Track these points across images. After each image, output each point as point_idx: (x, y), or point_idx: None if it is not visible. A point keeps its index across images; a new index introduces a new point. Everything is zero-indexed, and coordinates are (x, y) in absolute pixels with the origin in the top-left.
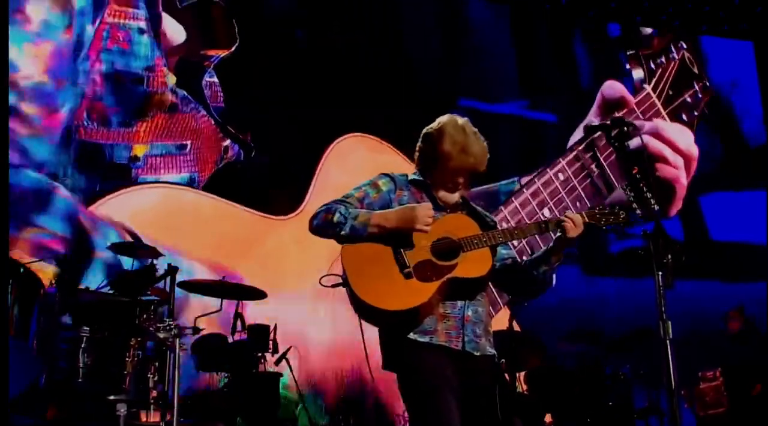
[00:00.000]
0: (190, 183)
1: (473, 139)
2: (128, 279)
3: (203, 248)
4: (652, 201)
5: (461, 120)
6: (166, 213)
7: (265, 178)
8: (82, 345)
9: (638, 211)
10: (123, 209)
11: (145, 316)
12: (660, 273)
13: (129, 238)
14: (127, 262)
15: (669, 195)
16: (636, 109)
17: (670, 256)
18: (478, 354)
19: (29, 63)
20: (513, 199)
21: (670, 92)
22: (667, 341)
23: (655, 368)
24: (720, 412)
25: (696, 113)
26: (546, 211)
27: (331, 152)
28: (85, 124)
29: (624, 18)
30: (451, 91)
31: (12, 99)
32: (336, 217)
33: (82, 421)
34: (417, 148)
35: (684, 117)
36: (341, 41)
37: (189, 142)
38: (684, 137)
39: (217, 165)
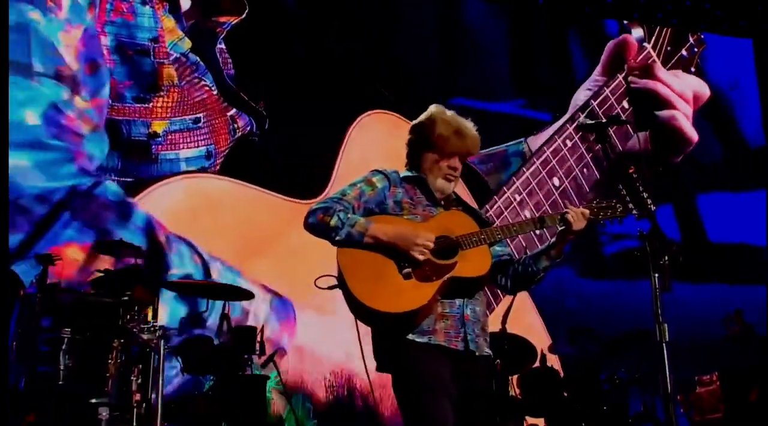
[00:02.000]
0: (208, 156)
1: (465, 122)
2: (111, 278)
3: (238, 249)
4: (649, 201)
5: (448, 110)
6: (198, 209)
7: (283, 154)
8: (63, 346)
9: (634, 211)
10: (157, 206)
11: (128, 317)
12: (656, 275)
13: (199, 261)
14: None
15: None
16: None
17: (666, 258)
18: (477, 354)
19: (66, 53)
20: (524, 168)
21: (668, 48)
22: (664, 344)
23: (651, 372)
24: (716, 418)
25: (693, 69)
26: (555, 180)
27: (354, 130)
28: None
29: (621, 15)
30: (445, 90)
31: (66, 94)
32: (333, 221)
33: (63, 424)
34: (407, 142)
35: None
36: (338, 39)
37: (201, 115)
38: (680, 81)
39: (231, 136)
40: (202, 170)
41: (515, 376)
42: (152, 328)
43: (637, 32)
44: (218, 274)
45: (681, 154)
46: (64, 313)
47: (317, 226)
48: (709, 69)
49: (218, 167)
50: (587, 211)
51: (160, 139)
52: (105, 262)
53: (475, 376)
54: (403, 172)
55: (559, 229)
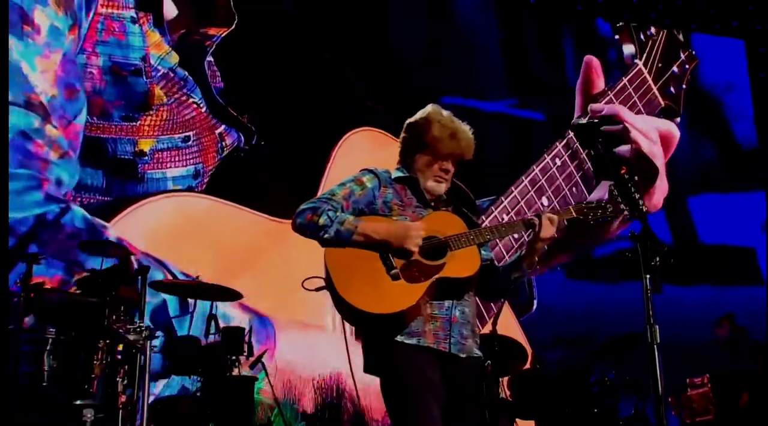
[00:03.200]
0: (196, 175)
1: (460, 125)
2: (97, 278)
3: (219, 269)
4: (641, 201)
5: (445, 111)
6: (178, 228)
7: (269, 170)
8: (48, 347)
9: (626, 212)
10: (136, 227)
11: (114, 317)
12: (648, 277)
13: (170, 277)
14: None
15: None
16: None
17: (658, 259)
18: (464, 356)
19: (42, 78)
20: (512, 188)
21: (660, 65)
22: (655, 346)
23: (642, 375)
24: (707, 420)
25: (684, 86)
26: (545, 200)
27: (341, 147)
28: (86, 118)
29: (613, 15)
30: (436, 89)
31: (37, 123)
32: (322, 220)
33: None
34: (401, 140)
35: (672, 90)
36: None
37: (191, 133)
38: (645, 122)
39: (218, 154)
40: (189, 189)
41: (506, 378)
42: (138, 329)
43: (629, 49)
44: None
45: (651, 184)
46: (48, 312)
47: (306, 225)
48: (701, 70)
49: (205, 186)
50: (556, 217)
51: (146, 158)
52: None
53: (464, 378)
54: (395, 172)
55: (527, 238)
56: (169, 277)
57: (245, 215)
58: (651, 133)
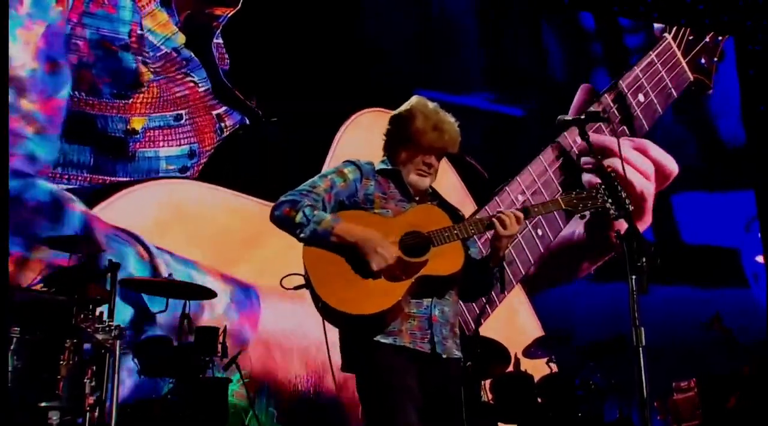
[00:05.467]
0: (192, 155)
1: (445, 117)
2: (65, 275)
3: (213, 254)
4: (627, 201)
5: (431, 103)
6: (170, 215)
7: (272, 152)
8: (12, 347)
9: (612, 211)
10: (126, 213)
11: (82, 316)
12: (634, 277)
13: (146, 257)
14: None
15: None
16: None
17: (644, 260)
18: (444, 356)
19: (22, 51)
20: (506, 187)
21: (691, 37)
22: (640, 349)
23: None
24: (694, 425)
25: (715, 59)
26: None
27: (347, 129)
28: (72, 93)
29: (600, 8)
30: (411, 82)
31: (11, 96)
32: (299, 218)
33: None
34: (385, 133)
35: (703, 62)
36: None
37: (184, 112)
38: (641, 158)
39: (217, 135)
40: (184, 169)
41: (488, 381)
42: (107, 328)
43: (658, 23)
44: (166, 267)
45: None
46: (12, 311)
47: (282, 219)
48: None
49: (201, 167)
50: (521, 215)
51: (138, 136)
52: (34, 273)
53: (443, 379)
54: (379, 165)
55: (490, 236)
56: (143, 253)
57: (239, 201)
58: (646, 169)
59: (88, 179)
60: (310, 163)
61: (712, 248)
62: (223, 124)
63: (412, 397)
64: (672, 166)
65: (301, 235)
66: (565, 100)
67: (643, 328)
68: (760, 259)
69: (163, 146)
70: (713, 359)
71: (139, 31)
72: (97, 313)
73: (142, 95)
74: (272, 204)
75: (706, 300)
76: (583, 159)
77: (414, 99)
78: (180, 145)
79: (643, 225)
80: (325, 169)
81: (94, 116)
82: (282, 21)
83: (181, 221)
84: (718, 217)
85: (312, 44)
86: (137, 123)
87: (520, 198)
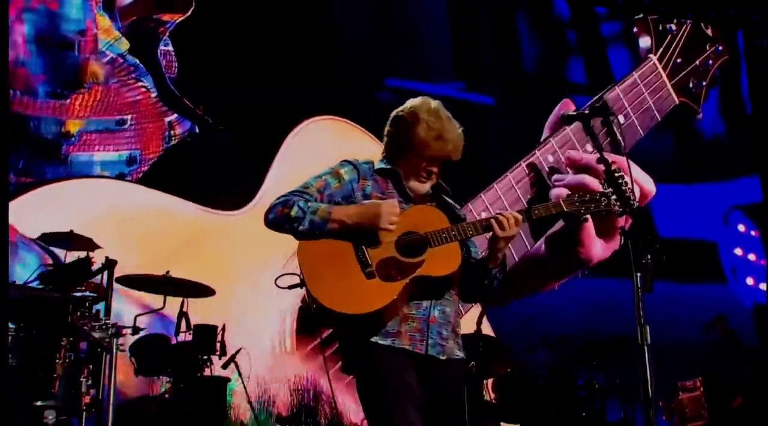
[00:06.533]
0: (131, 161)
1: (449, 124)
2: (60, 272)
3: (139, 256)
4: (632, 197)
5: (434, 103)
6: (95, 215)
7: (220, 160)
8: (7, 345)
9: (616, 207)
10: (44, 209)
11: (78, 313)
12: (639, 274)
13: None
14: None
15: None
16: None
17: (649, 257)
18: (443, 358)
19: None
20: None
21: (678, 60)
22: (645, 347)
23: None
24: (699, 425)
25: (704, 83)
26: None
27: (295, 136)
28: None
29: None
30: (378, 69)
31: None
32: (294, 212)
33: None
34: (386, 133)
35: (692, 86)
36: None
37: (129, 117)
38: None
39: (164, 142)
40: (121, 176)
41: (491, 380)
42: (104, 326)
43: (645, 42)
44: None
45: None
46: (8, 308)
47: (278, 220)
48: None
49: (141, 174)
50: (520, 217)
51: (73, 139)
52: None
53: (444, 380)
54: (378, 164)
55: (488, 237)
56: (49, 259)
57: (179, 205)
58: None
59: (14, 180)
60: (256, 171)
61: (689, 241)
62: (172, 132)
63: (411, 395)
64: (650, 186)
65: (300, 228)
66: (537, 90)
67: (648, 327)
68: (738, 251)
69: (99, 150)
70: (716, 360)
71: (94, 30)
72: (94, 311)
73: (81, 96)
74: (214, 210)
75: (683, 296)
76: (555, 176)
77: (418, 101)
78: (118, 150)
79: (611, 249)
80: (269, 175)
81: (27, 117)
82: (237, 19)
83: (114, 222)
84: (696, 210)
85: (271, 42)
86: (73, 126)
87: (484, 215)
